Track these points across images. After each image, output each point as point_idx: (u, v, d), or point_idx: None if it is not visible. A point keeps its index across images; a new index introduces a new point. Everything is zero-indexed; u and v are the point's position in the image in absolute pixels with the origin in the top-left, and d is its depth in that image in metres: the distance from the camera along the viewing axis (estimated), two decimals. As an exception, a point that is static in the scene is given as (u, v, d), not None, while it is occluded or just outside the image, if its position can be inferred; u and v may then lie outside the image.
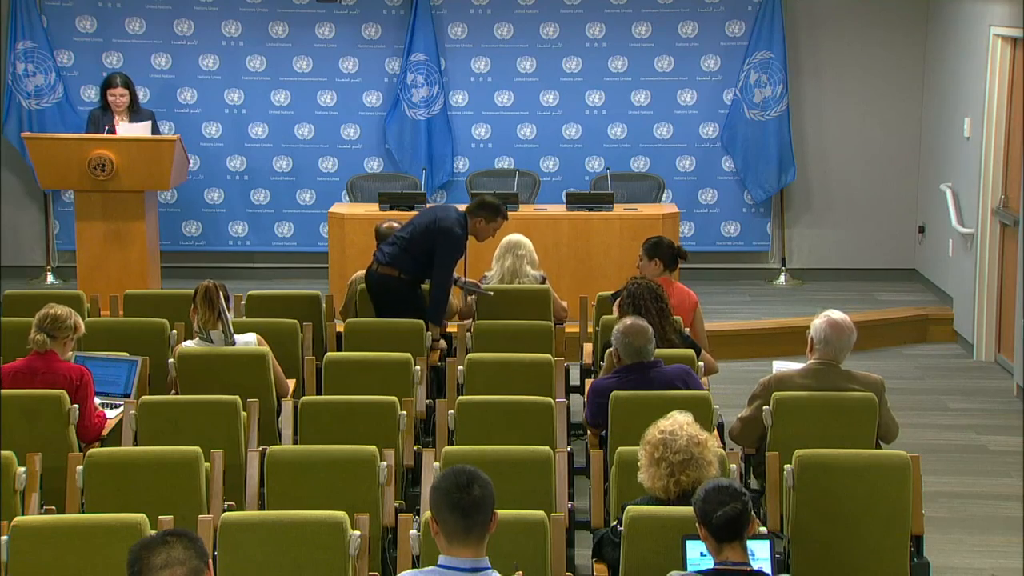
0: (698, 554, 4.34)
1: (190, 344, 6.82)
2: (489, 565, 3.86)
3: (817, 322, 6.12)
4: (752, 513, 4.20)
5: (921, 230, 11.83)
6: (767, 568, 4.31)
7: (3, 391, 6.00)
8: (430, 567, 3.91)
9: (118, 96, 10.42)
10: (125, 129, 10.09)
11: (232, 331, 6.78)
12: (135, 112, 10.50)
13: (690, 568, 4.30)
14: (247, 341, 6.83)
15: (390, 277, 7.96)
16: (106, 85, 10.54)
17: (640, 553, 4.72)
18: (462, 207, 8.21)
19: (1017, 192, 9.53)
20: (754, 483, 6.31)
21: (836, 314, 6.13)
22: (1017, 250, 9.35)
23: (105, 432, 6.27)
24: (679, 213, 10.77)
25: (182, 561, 3.37)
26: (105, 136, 10.06)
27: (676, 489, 4.78)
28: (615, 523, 5.09)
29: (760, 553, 4.42)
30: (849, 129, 11.94)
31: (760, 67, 11.64)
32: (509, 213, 10.01)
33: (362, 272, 8.34)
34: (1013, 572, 6.38)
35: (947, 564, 6.38)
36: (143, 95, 11.44)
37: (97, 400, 6.39)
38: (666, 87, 11.85)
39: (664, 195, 11.29)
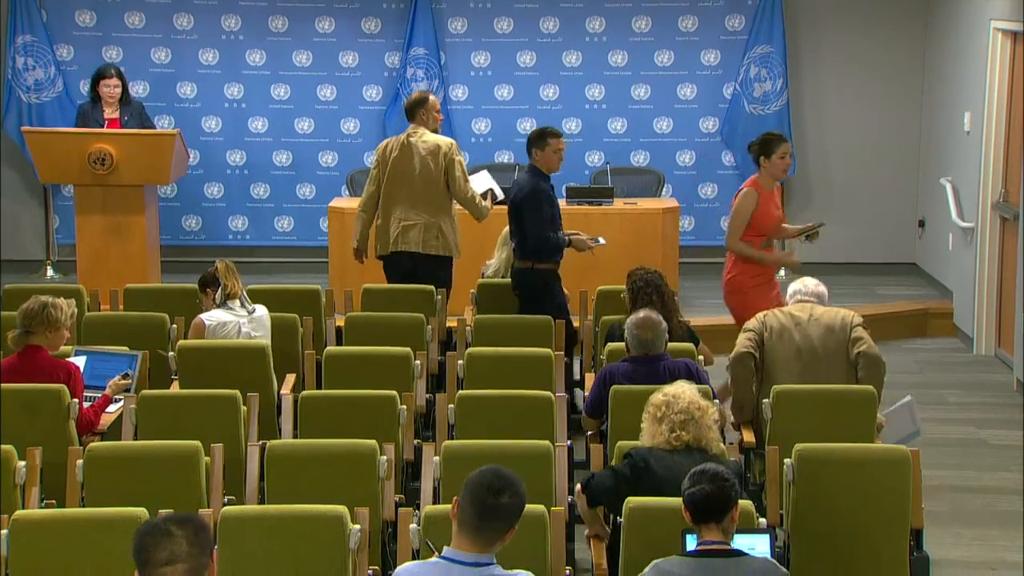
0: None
1: (211, 314, 6.97)
2: (494, 561, 3.86)
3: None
4: (734, 500, 4.28)
5: (921, 224, 11.83)
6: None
7: (3, 385, 6.00)
8: (433, 559, 3.92)
9: (112, 87, 10.32)
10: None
11: (249, 300, 7.10)
12: (125, 103, 10.37)
13: None
14: (262, 310, 7.12)
15: (525, 270, 8.09)
16: (100, 76, 10.43)
17: (640, 546, 4.73)
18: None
19: (1017, 186, 9.52)
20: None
21: (807, 278, 6.98)
22: (1017, 244, 9.35)
23: (104, 426, 6.27)
24: (679, 207, 10.77)
25: (184, 558, 3.33)
26: (105, 130, 10.06)
27: (677, 443, 5.07)
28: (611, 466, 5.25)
29: (760, 547, 4.43)
30: (849, 123, 11.93)
31: (760, 61, 11.64)
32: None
33: (391, 139, 8.49)
34: (1013, 566, 6.38)
35: (946, 558, 6.38)
36: (143, 89, 11.49)
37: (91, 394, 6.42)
38: (666, 81, 11.85)
39: (664, 189, 11.28)
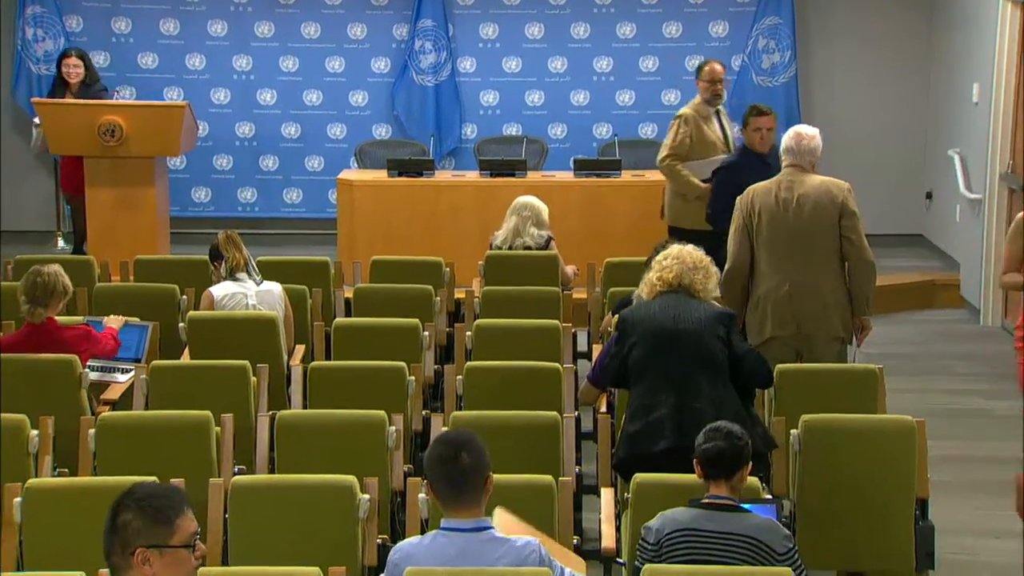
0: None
1: (220, 286, 6.94)
2: (491, 525, 3.90)
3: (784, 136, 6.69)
4: (745, 459, 4.35)
5: (929, 196, 11.82)
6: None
7: (16, 355, 6.04)
8: (432, 531, 3.95)
9: (71, 67, 10.08)
10: None
11: (258, 271, 7.04)
12: (86, 87, 10.06)
13: None
14: (274, 287, 7.04)
15: None
16: (61, 55, 10.26)
17: (646, 519, 4.75)
18: None
19: (1025, 158, 9.52)
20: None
21: (801, 127, 6.69)
22: (1025, 216, 9.33)
23: (117, 396, 6.32)
24: (687, 179, 10.75)
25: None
26: (115, 102, 10.06)
27: (660, 286, 5.38)
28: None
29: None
30: (857, 95, 11.91)
31: (768, 33, 11.62)
32: (517, 180, 10.04)
33: None
34: (1017, 535, 6.41)
35: (952, 527, 6.40)
36: (152, 60, 11.46)
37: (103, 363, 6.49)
38: (674, 53, 11.83)
39: (672, 161, 11.27)
